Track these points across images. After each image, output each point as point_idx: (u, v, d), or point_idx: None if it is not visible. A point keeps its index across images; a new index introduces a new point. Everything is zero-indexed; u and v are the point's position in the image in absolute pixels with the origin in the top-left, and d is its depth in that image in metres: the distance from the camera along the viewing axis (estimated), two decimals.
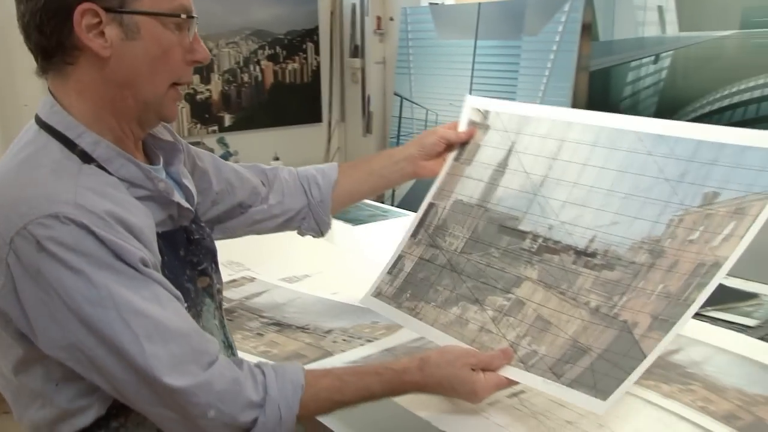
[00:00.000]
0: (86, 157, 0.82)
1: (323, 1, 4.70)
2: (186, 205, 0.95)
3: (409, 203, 3.81)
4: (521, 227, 1.07)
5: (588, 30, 3.26)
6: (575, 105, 3.33)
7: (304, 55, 4.61)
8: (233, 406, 0.79)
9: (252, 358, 1.07)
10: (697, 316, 1.07)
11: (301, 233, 1.28)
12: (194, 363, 0.78)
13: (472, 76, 3.79)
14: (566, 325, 0.92)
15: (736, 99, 2.78)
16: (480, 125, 1.23)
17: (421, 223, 1.23)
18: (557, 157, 1.07)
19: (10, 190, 0.78)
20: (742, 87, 2.75)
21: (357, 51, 4.67)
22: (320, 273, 1.25)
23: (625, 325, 0.86)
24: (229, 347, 1.07)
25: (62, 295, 0.73)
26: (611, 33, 3.26)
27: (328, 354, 1.27)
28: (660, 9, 3.03)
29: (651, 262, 0.88)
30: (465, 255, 1.11)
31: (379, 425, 1.05)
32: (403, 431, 1.05)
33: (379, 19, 4.48)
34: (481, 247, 1.10)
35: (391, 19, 4.44)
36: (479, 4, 3.75)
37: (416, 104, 4.11)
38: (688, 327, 0.89)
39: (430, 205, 1.25)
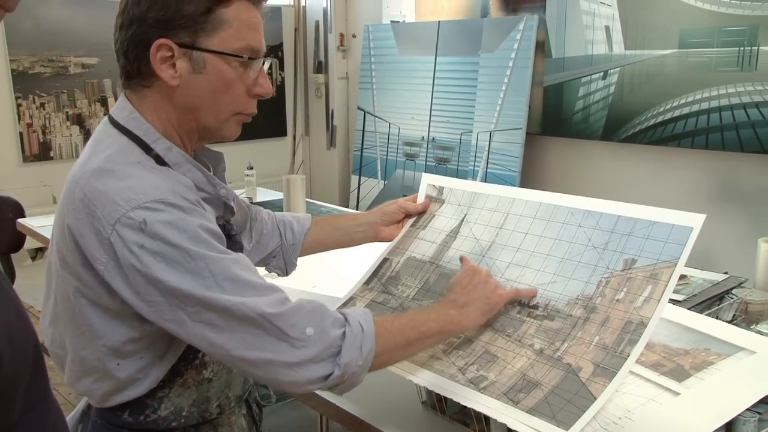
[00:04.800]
0: (159, 161, 0.92)
1: (287, 18, 4.82)
2: (233, 207, 1.05)
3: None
4: None
5: (541, 47, 3.44)
6: (530, 118, 3.52)
7: (269, 71, 4.69)
8: (325, 322, 0.88)
9: None
10: None
11: (269, 270, 1.33)
12: (283, 301, 0.89)
13: (432, 91, 3.93)
14: (513, 360, 0.99)
15: (677, 113, 2.97)
16: (436, 199, 1.36)
17: (374, 273, 1.28)
18: (503, 227, 1.21)
19: (109, 181, 0.86)
20: (682, 102, 2.95)
21: (321, 67, 4.77)
22: (298, 270, 1.34)
23: (570, 368, 0.94)
24: None
25: (163, 268, 0.82)
26: (563, 50, 3.43)
27: None
28: (607, 29, 3.22)
29: (586, 316, 0.98)
30: (416, 301, 1.16)
31: (390, 406, 1.09)
32: (409, 413, 1.09)
33: (342, 35, 4.59)
34: (431, 296, 1.16)
35: (354, 36, 4.56)
36: (439, 22, 3.89)
37: (379, 118, 4.23)
38: None
39: (385, 260, 1.29)
